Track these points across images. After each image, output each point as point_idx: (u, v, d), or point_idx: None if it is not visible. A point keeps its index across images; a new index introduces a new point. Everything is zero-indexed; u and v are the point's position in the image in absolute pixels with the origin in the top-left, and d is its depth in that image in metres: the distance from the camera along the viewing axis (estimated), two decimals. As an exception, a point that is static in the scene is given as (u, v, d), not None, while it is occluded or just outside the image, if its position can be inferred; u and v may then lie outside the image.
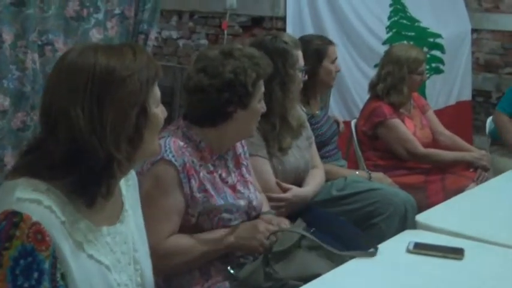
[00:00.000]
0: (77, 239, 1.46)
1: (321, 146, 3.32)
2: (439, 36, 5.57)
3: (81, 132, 1.42)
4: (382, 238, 2.53)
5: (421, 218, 2.50)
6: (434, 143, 4.06)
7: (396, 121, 3.78)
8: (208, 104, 2.25)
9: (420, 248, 2.15)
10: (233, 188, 2.31)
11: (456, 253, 2.12)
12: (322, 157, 3.25)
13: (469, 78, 6.08)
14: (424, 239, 2.23)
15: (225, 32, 5.10)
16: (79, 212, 1.47)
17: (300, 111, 3.03)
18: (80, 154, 1.43)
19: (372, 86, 3.91)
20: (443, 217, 2.51)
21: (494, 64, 6.27)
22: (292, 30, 4.60)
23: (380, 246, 2.18)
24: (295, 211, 2.81)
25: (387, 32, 5.21)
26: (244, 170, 2.40)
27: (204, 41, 5.40)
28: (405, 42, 4.96)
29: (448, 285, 1.96)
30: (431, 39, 5.52)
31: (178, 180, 2.16)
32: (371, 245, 2.15)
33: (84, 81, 1.44)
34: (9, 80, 2.89)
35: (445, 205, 2.72)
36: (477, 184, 3.58)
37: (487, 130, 4.56)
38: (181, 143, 2.21)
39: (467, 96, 6.09)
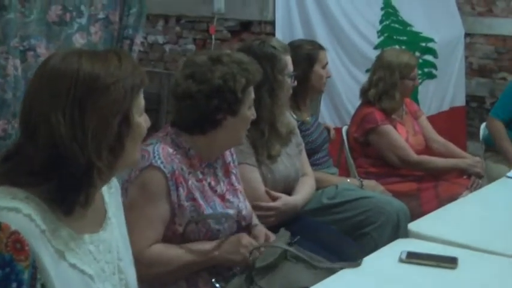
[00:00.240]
0: (58, 247, 1.46)
1: (311, 153, 3.33)
2: (431, 40, 5.60)
3: (61, 138, 1.42)
4: (374, 247, 2.54)
5: (413, 226, 2.50)
6: (427, 149, 4.07)
7: (388, 127, 3.79)
8: (197, 111, 2.26)
9: (413, 257, 2.15)
10: (222, 197, 2.31)
11: (450, 262, 2.13)
12: (312, 165, 3.26)
13: (463, 83, 6.11)
14: (417, 248, 2.23)
15: (213, 36, 5.12)
16: (60, 220, 1.47)
17: (289, 118, 3.04)
18: (60, 161, 1.43)
19: (363, 92, 3.92)
20: (436, 225, 2.52)
21: (488, 69, 6.31)
22: (281, 35, 4.62)
23: (371, 255, 2.19)
24: (285, 220, 2.82)
25: (379, 37, 5.23)
26: (233, 178, 2.41)
27: (191, 46, 5.41)
28: (397, 46, 4.99)
29: (442, 295, 1.98)
30: (424, 44, 5.55)
31: (167, 187, 2.16)
32: (362, 255, 2.15)
33: (66, 87, 1.44)
34: (-10, 87, 2.90)
35: (438, 213, 2.73)
36: (471, 191, 3.59)
37: (481, 136, 4.58)
38: (171, 150, 2.21)
39: (460, 101, 6.12)
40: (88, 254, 1.53)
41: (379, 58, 3.98)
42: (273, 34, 4.69)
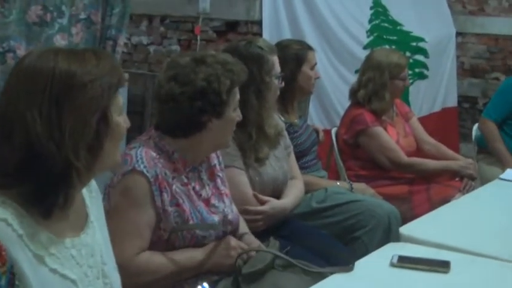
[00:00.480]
0: (37, 252, 1.45)
1: (300, 156, 3.33)
2: (422, 40, 5.62)
3: (37, 137, 1.42)
4: (365, 252, 2.55)
5: (405, 230, 2.51)
6: (419, 151, 4.09)
7: (378, 129, 3.80)
8: (180, 114, 2.25)
9: (404, 262, 2.15)
10: (207, 201, 2.30)
11: (442, 266, 2.13)
12: (301, 168, 3.26)
13: (454, 83, 6.15)
14: (409, 252, 2.24)
15: (198, 37, 5.11)
16: (39, 223, 1.46)
17: (277, 120, 3.04)
18: (37, 161, 1.43)
19: (353, 93, 3.93)
20: (428, 229, 2.53)
21: (480, 69, 6.34)
22: (268, 35, 4.62)
23: (362, 260, 2.19)
24: (274, 224, 2.81)
25: (368, 36, 5.25)
26: (219, 181, 2.40)
27: (176, 47, 5.40)
28: (387, 46, 5.00)
29: (434, 300, 1.98)
30: (414, 43, 5.57)
31: (150, 192, 2.15)
32: (352, 259, 2.15)
33: (42, 85, 1.44)
34: (-32, 90, 2.87)
35: (430, 216, 2.74)
36: (463, 194, 3.60)
37: (473, 137, 4.60)
38: (154, 154, 2.20)
39: (452, 102, 6.16)
40: (70, 258, 1.53)
41: (368, 58, 3.99)
42: (260, 34, 4.69)
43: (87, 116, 1.47)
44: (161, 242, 2.20)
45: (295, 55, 3.44)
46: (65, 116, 1.44)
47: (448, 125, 6.01)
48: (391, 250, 2.27)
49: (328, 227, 3.14)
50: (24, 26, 3.09)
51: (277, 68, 2.93)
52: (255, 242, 2.43)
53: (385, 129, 3.86)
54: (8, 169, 1.44)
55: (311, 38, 4.71)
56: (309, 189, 3.22)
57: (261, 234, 2.55)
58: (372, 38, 5.26)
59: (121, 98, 1.58)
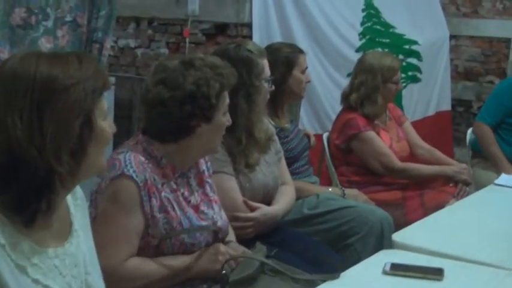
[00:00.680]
0: (19, 262, 1.45)
1: (291, 161, 3.33)
2: (415, 42, 5.64)
3: (18, 142, 1.42)
4: (358, 259, 2.55)
5: (398, 237, 2.51)
6: (412, 156, 4.10)
7: (371, 134, 3.81)
8: (169, 118, 2.25)
9: (397, 269, 2.15)
10: (196, 208, 2.30)
11: (435, 273, 2.13)
12: (292, 173, 3.26)
13: (448, 87, 6.17)
14: (401, 259, 2.24)
15: (187, 40, 5.11)
16: (21, 233, 1.46)
17: (267, 124, 3.04)
18: (18, 167, 1.42)
19: (345, 97, 3.93)
20: (421, 235, 2.53)
21: (474, 72, 6.37)
22: (258, 38, 4.62)
23: (354, 267, 2.19)
24: (264, 231, 2.81)
25: (360, 39, 5.26)
26: (208, 188, 2.40)
27: (164, 50, 5.40)
28: (379, 49, 5.02)
29: (427, 308, 1.98)
30: (407, 46, 5.59)
31: (139, 197, 2.15)
32: (343, 267, 2.16)
33: (23, 89, 1.44)
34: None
35: (423, 223, 2.74)
36: (458, 200, 3.61)
37: (468, 142, 4.61)
38: (143, 159, 2.20)
39: (446, 106, 6.18)
40: (53, 268, 1.52)
41: (360, 61, 3.99)
42: (250, 37, 4.69)
43: (69, 121, 1.47)
44: (150, 249, 2.20)
45: (285, 58, 3.44)
46: (47, 121, 1.44)
47: (442, 129, 6.03)
48: (384, 257, 2.27)
49: (320, 234, 3.15)
50: (7, 29, 3.09)
51: (267, 71, 2.93)
52: (241, 249, 2.43)
53: (378, 133, 3.86)
54: None
55: (302, 41, 4.72)
56: (300, 195, 3.22)
57: (250, 242, 2.55)
58: (364, 40, 5.27)
59: (105, 102, 1.58)
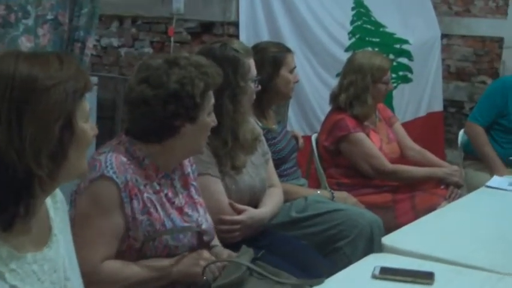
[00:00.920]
0: None
1: (279, 163, 3.33)
2: (406, 42, 5.66)
3: None
4: (347, 263, 2.55)
5: (387, 240, 2.52)
6: (403, 158, 4.11)
7: (361, 135, 3.81)
8: (152, 118, 2.25)
9: (387, 273, 2.16)
10: (180, 210, 2.30)
11: (426, 277, 2.14)
12: (280, 176, 3.26)
13: (440, 87, 6.19)
14: (391, 263, 2.24)
15: (172, 39, 5.11)
16: None
17: (253, 124, 3.04)
18: None
19: (334, 97, 3.94)
20: (411, 239, 2.54)
21: (466, 72, 6.40)
22: (245, 37, 4.62)
23: (343, 271, 2.20)
24: (251, 235, 2.81)
25: (350, 38, 5.27)
26: (193, 190, 2.40)
27: (148, 49, 5.39)
28: (369, 49, 5.03)
29: (418, 313, 1.99)
30: (398, 46, 5.61)
31: (119, 199, 2.15)
32: (331, 271, 2.16)
33: (2, 89, 1.43)
34: None
35: (414, 226, 2.75)
36: (449, 202, 3.62)
37: (459, 143, 4.63)
38: (124, 159, 2.20)
39: (438, 106, 6.20)
40: (31, 274, 1.52)
41: (350, 61, 4.00)
42: (237, 36, 4.69)
43: (49, 123, 1.46)
44: (132, 251, 2.20)
45: (272, 58, 3.44)
46: (26, 122, 1.43)
47: (434, 130, 6.05)
48: (373, 261, 2.28)
49: (309, 238, 3.15)
50: (-14, 27, 3.08)
51: (253, 71, 2.93)
52: (225, 253, 2.42)
53: (368, 135, 3.87)
54: None
55: (290, 40, 4.72)
56: (288, 198, 3.23)
57: (237, 245, 2.55)
58: (353, 39, 5.28)
59: (87, 104, 1.57)
